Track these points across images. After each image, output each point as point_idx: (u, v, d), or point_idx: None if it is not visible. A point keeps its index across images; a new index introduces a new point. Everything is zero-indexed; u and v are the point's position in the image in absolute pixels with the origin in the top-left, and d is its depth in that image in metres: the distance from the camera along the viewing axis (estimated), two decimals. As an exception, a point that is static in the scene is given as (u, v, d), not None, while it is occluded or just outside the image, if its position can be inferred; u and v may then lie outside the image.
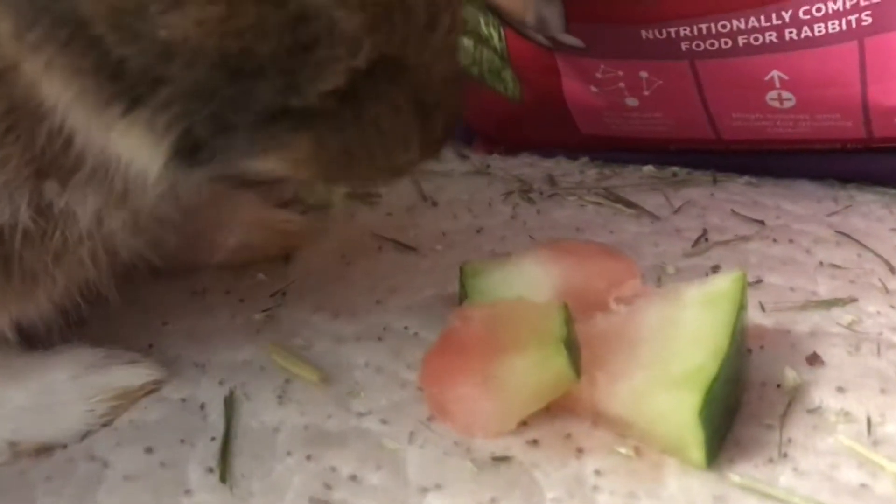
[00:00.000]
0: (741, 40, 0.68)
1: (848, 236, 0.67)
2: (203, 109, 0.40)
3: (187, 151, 0.42)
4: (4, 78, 0.40)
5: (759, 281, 0.62)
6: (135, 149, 0.42)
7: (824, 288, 0.61)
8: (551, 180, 0.80)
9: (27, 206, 0.43)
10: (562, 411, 0.48)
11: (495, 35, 0.80)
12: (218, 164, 0.43)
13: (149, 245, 0.53)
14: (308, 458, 0.46)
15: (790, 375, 0.51)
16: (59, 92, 0.40)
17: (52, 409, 0.50)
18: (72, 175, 0.43)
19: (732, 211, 0.72)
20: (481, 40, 0.82)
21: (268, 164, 0.45)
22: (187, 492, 0.45)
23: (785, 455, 0.46)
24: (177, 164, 0.42)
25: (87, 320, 0.53)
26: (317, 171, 0.45)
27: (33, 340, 0.50)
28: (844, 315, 0.57)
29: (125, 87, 0.40)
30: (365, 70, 0.41)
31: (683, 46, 0.70)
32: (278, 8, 0.38)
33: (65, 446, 0.48)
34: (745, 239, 0.68)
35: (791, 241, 0.67)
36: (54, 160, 0.43)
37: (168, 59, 0.39)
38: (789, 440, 0.47)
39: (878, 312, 0.58)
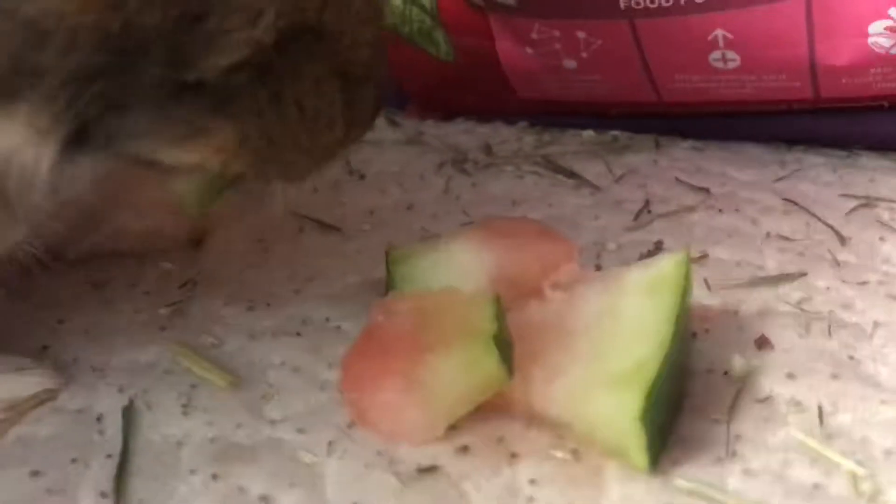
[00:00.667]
0: (683, -3, 0.64)
1: (796, 204, 0.64)
2: (88, 93, 0.36)
3: (82, 142, 0.38)
4: None
5: (705, 255, 0.58)
6: (16, 145, 0.37)
7: (772, 262, 0.58)
8: (488, 149, 0.75)
9: None
10: (494, 412, 0.44)
11: (424, -7, 0.75)
12: (117, 149, 0.39)
13: (35, 238, 0.47)
14: (214, 476, 0.42)
15: (738, 362, 0.48)
16: None
17: (-72, 427, 0.44)
18: None
19: (676, 179, 0.69)
20: (409, -1, 0.76)
21: (192, 155, 0.40)
22: (76, 522, 0.40)
23: (734, 453, 0.42)
24: (72, 157, 0.38)
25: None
26: (244, 161, 0.41)
27: None
28: (793, 292, 0.54)
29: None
30: (275, 43, 0.37)
31: (622, 4, 0.66)
32: None
33: (-59, 469, 0.43)
34: (689, 209, 0.64)
35: (737, 210, 0.64)
36: None
37: (41, 43, 0.34)
38: (738, 436, 0.43)
39: (829, 288, 0.55)
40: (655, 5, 0.65)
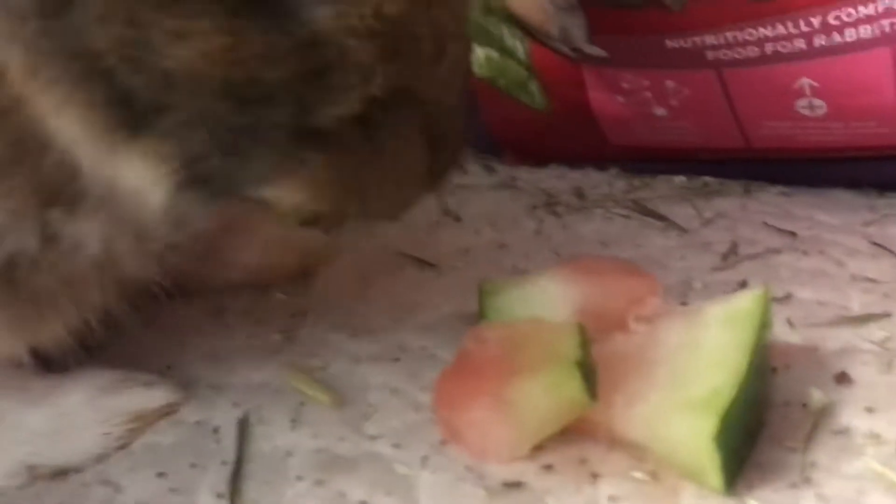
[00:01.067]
0: (769, 48, 0.66)
1: (883, 247, 0.65)
2: (209, 138, 0.40)
3: (200, 182, 0.42)
4: (13, 111, 0.40)
5: (789, 296, 0.60)
6: (140, 176, 0.42)
7: (856, 303, 0.59)
8: (579, 193, 0.78)
9: (34, 235, 0.43)
10: (577, 435, 0.47)
11: (520, 47, 0.80)
12: (232, 192, 0.43)
13: (162, 268, 0.53)
14: (319, 483, 0.46)
15: (816, 395, 0.49)
16: (69, 124, 0.40)
17: (69, 433, 0.50)
18: (78, 204, 0.43)
19: (764, 223, 0.71)
20: (506, 52, 0.81)
21: (283, 192, 0.44)
22: (197, 518, 0.45)
23: (808, 480, 0.44)
24: (189, 195, 0.42)
25: (103, 342, 0.53)
26: (330, 201, 0.45)
27: (49, 363, 0.51)
28: (877, 331, 0.55)
29: (130, 115, 0.40)
30: (381, 99, 0.41)
31: (709, 55, 0.69)
32: (286, 36, 0.38)
33: (80, 470, 0.48)
34: (775, 252, 0.66)
35: (822, 252, 0.65)
36: (60, 190, 0.43)
37: (170, 87, 0.39)
38: (813, 463, 0.45)
39: (913, 328, 0.55)
40: (742, 56, 0.68)
